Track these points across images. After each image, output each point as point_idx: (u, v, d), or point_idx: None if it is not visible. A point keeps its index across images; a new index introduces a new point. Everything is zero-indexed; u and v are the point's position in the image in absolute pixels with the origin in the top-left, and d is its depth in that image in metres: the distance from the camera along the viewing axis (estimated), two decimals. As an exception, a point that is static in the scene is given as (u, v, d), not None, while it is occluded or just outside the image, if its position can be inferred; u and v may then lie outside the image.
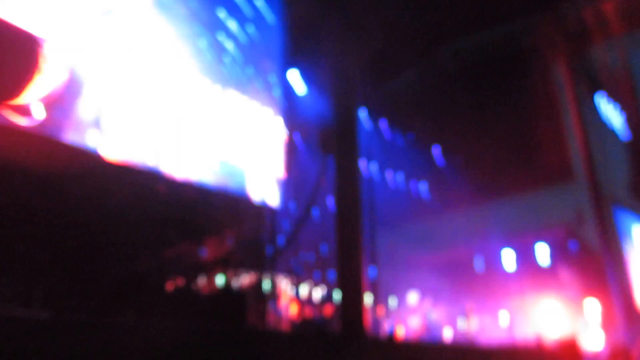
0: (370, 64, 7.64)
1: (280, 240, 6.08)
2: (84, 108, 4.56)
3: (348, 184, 6.46)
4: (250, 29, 6.63)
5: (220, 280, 5.20)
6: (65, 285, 4.33)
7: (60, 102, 4.34)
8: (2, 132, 4.04)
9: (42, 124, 4.21)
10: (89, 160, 4.60)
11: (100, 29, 4.73)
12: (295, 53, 7.31)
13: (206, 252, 5.33)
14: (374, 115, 8.17)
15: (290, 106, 6.70)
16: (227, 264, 5.33)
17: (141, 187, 4.95)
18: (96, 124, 4.60)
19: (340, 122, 7.06)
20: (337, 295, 5.86)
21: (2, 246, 3.78)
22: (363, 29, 7.27)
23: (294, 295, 5.70)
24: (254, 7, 6.83)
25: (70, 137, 4.41)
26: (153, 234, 4.99)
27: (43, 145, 4.30)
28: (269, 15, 7.03)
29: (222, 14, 6.28)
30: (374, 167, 7.39)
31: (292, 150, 6.56)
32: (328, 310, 5.91)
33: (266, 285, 5.47)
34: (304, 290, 5.74)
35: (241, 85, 6.28)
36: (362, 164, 6.91)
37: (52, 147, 4.37)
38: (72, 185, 4.40)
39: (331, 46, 7.37)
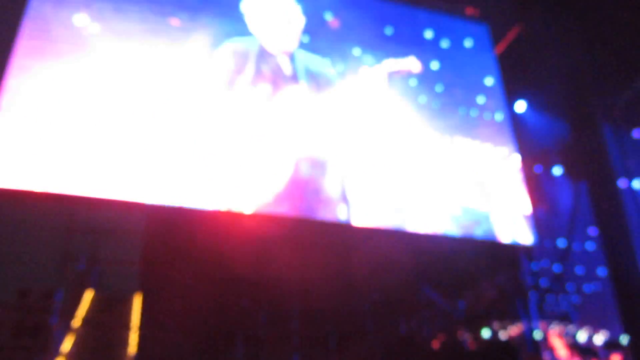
0: (607, 67, 6.91)
1: (544, 281, 5.65)
2: (331, 185, 5.01)
3: (609, 208, 5.80)
4: (468, 71, 6.60)
5: (486, 333, 5.02)
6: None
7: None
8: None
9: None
10: (341, 232, 4.99)
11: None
12: (517, 81, 7.01)
13: (466, 305, 5.22)
14: (624, 125, 7.24)
15: (525, 138, 6.34)
16: (490, 315, 5.13)
17: (390, 248, 5.13)
18: (343, 197, 4.99)
19: (585, 142, 6.48)
20: (624, 339, 5.16)
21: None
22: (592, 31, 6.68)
23: (571, 343, 5.19)
24: (463, 49, 6.81)
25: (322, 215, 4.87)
26: (410, 294, 5.12)
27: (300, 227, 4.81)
28: (482, 53, 6.93)
29: (435, 65, 6.41)
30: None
31: (536, 183, 6.15)
32: (616, 358, 5.21)
33: (537, 334, 5.09)
34: (582, 336, 5.19)
35: (470, 129, 6.21)
36: (622, 182, 6.17)
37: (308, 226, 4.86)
38: (328, 257, 4.80)
39: (557, 61, 6.92)
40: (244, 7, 5.36)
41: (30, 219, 4.12)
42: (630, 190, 6.52)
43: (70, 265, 4.15)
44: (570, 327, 5.20)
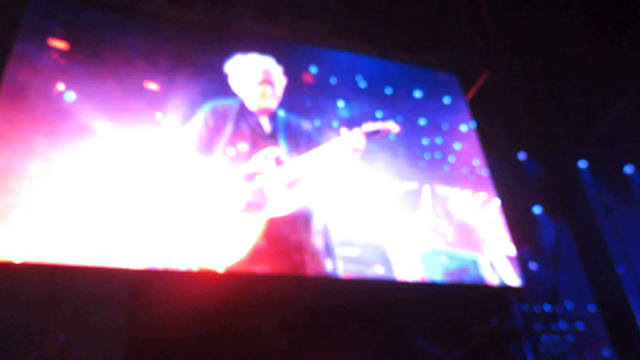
0: (575, 105, 7.12)
1: (537, 322, 5.61)
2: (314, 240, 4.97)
3: (591, 244, 5.84)
4: (442, 119, 6.75)
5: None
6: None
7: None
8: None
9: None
10: (327, 286, 4.91)
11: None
12: (490, 125, 7.16)
13: (461, 352, 5.13)
14: (598, 161, 7.39)
15: (505, 181, 6.45)
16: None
17: (379, 299, 5.06)
18: (327, 251, 4.95)
19: (561, 180, 6.59)
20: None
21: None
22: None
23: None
24: (435, 98, 6.98)
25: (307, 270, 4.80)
26: (401, 342, 5.02)
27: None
28: (454, 101, 7.11)
29: (410, 115, 6.54)
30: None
31: (519, 224, 6.20)
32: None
33: (535, 377, 5.01)
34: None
35: (449, 177, 6.30)
36: (601, 217, 6.25)
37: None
38: (317, 313, 4.72)
39: (526, 102, 7.11)
40: (228, 67, 5.46)
41: (6, 291, 3.98)
42: (609, 224, 6.60)
43: (51, 339, 3.99)
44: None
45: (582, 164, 6.91)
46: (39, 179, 4.41)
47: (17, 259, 3.96)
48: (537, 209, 6.74)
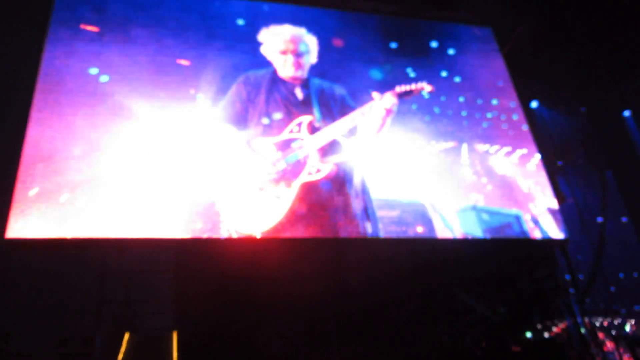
0: (617, 55, 6.83)
1: (583, 275, 5.52)
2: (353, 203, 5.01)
3: (638, 195, 5.69)
4: (478, 75, 6.59)
5: (530, 334, 4.89)
6: None
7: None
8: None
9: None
10: (370, 247, 4.96)
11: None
12: (528, 79, 6.96)
13: (507, 307, 5.11)
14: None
15: (544, 135, 6.29)
16: (533, 315, 5.01)
17: (421, 257, 5.07)
18: (367, 213, 4.98)
19: (605, 130, 6.40)
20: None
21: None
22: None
23: (619, 335, 5.02)
24: (469, 54, 6.81)
25: (348, 232, 4.86)
26: (447, 302, 5.04)
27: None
28: (490, 56, 6.93)
29: (445, 73, 6.42)
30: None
31: (561, 177, 6.06)
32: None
33: (582, 330, 4.95)
34: (629, 327, 5.02)
35: (489, 133, 6.19)
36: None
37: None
38: (361, 272, 4.77)
39: (565, 55, 6.88)
40: (261, 36, 5.47)
41: (64, 267, 4.20)
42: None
43: (106, 309, 4.20)
44: (617, 319, 5.04)
45: (627, 112, 6.66)
46: (83, 159, 4.58)
47: (69, 235, 4.15)
48: (580, 162, 6.57)
